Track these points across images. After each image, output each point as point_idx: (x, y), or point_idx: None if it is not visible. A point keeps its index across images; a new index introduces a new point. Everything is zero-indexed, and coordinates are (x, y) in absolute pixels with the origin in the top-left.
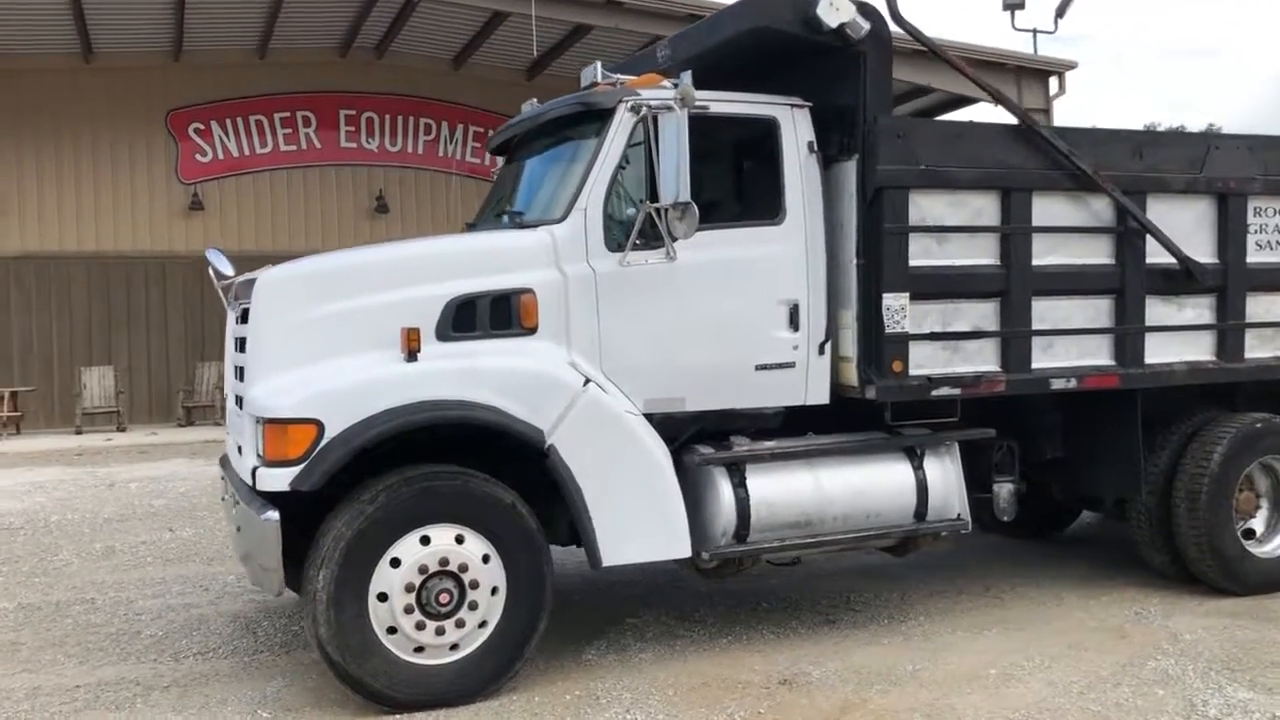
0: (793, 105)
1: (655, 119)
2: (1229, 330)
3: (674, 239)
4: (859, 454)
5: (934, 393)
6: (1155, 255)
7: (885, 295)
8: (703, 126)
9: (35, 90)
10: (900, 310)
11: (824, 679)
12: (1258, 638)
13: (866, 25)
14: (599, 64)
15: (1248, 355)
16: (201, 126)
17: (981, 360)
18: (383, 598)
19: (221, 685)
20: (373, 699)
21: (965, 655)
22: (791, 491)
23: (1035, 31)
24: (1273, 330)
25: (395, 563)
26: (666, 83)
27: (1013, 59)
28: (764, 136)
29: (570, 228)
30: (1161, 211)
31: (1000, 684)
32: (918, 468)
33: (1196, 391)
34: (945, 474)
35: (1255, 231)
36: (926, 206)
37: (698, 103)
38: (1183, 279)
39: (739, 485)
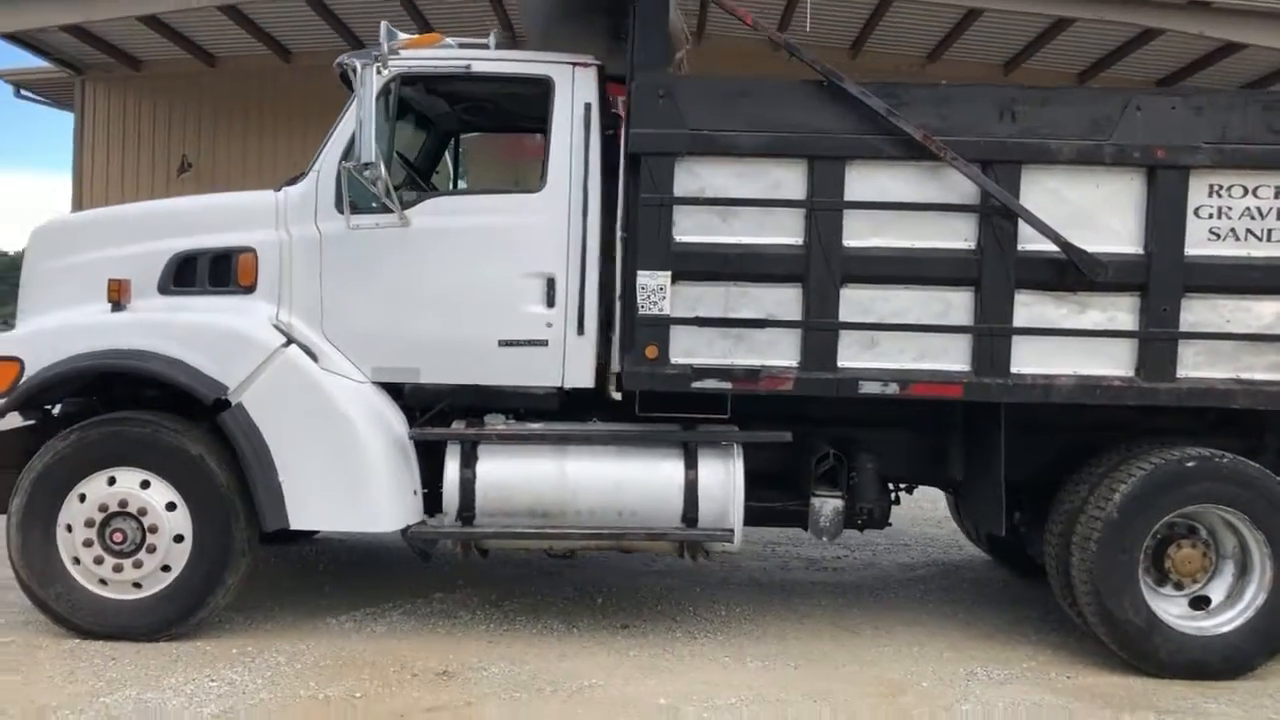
0: (576, 64)
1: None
2: (1151, 341)
3: (402, 204)
4: (622, 445)
5: (695, 385)
6: (1035, 242)
7: (640, 273)
8: (472, 88)
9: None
10: (658, 290)
11: (493, 678)
12: None
13: None
14: (385, 23)
15: (1181, 373)
16: None
17: (775, 353)
18: (69, 529)
19: None
20: (57, 622)
21: (675, 681)
22: (528, 478)
23: None
24: (1233, 345)
25: (82, 498)
26: (451, 41)
27: None
28: (539, 98)
29: (304, 188)
30: (1051, 187)
31: (650, 714)
32: (690, 468)
33: (1190, 414)
34: (724, 478)
35: (1209, 216)
36: (707, 176)
37: (456, 62)
38: (1074, 272)
39: (466, 465)
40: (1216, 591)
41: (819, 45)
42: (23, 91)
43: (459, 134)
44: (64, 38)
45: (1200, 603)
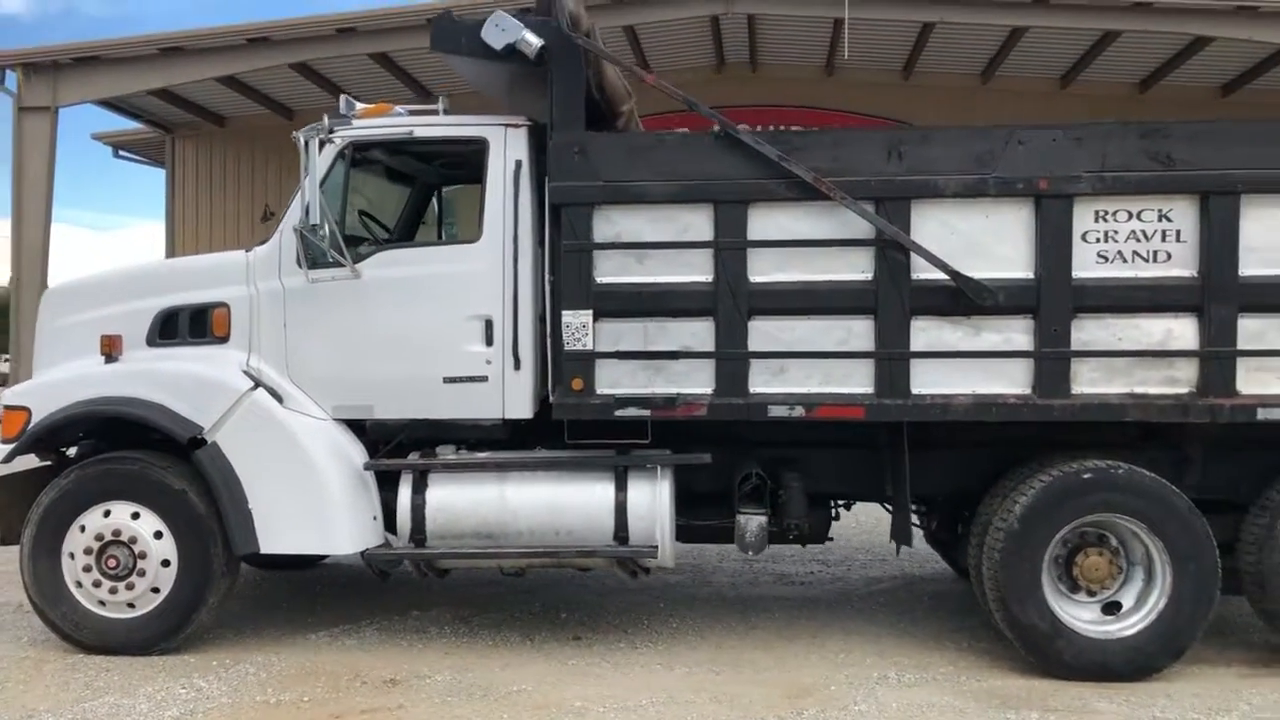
0: (508, 125)
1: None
2: (1045, 359)
3: (353, 258)
4: (558, 470)
5: (618, 413)
6: (928, 270)
7: (564, 312)
8: (416, 150)
9: None
10: (582, 328)
11: (436, 685)
12: None
13: (538, 42)
14: (345, 96)
15: (1076, 390)
16: None
17: (691, 382)
18: (72, 556)
19: None
20: (64, 639)
21: (598, 686)
22: (473, 502)
23: None
24: (1127, 361)
25: (82, 529)
26: (401, 109)
27: None
28: (475, 157)
29: (269, 248)
30: (942, 219)
31: (560, 715)
32: (621, 490)
33: (1114, 430)
34: (652, 498)
35: (1096, 240)
36: (623, 222)
37: (399, 129)
38: (965, 298)
39: (417, 492)
40: (1127, 597)
41: (871, 69)
42: (120, 152)
43: (442, 187)
44: (153, 101)
45: (1113, 608)
